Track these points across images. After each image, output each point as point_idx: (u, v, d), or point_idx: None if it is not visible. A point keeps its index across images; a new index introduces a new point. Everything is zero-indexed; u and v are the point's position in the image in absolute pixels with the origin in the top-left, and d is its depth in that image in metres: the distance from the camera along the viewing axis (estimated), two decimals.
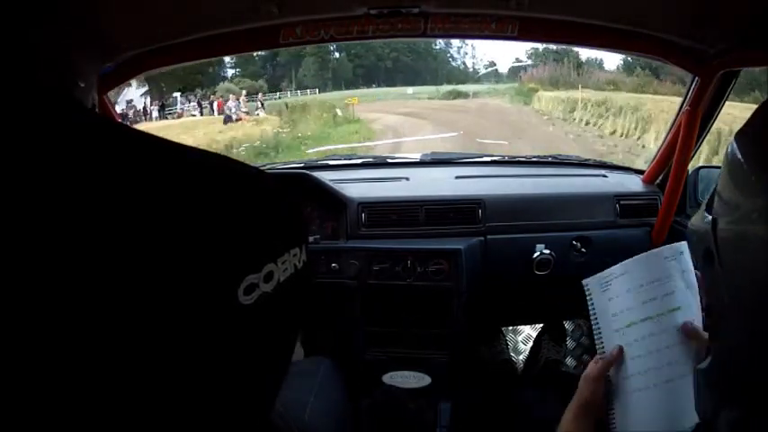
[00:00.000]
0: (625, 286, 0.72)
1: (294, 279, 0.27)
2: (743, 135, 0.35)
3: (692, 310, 0.65)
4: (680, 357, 0.64)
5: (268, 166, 1.47)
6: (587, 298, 0.74)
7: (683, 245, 0.69)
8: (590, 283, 0.75)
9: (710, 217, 0.35)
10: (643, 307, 0.69)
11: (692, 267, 0.67)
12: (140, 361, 0.21)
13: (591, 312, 0.73)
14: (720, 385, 0.38)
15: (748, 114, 0.36)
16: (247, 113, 11.64)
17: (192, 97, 12.98)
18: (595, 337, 0.72)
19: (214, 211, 0.24)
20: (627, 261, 0.74)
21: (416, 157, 1.63)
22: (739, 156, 0.34)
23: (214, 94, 13.13)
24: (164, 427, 0.22)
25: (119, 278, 0.20)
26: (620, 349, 0.68)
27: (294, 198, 0.29)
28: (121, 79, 1.06)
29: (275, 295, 0.26)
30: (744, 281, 0.32)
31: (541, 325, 1.66)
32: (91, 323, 0.20)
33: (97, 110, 0.93)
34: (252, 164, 1.61)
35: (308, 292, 0.30)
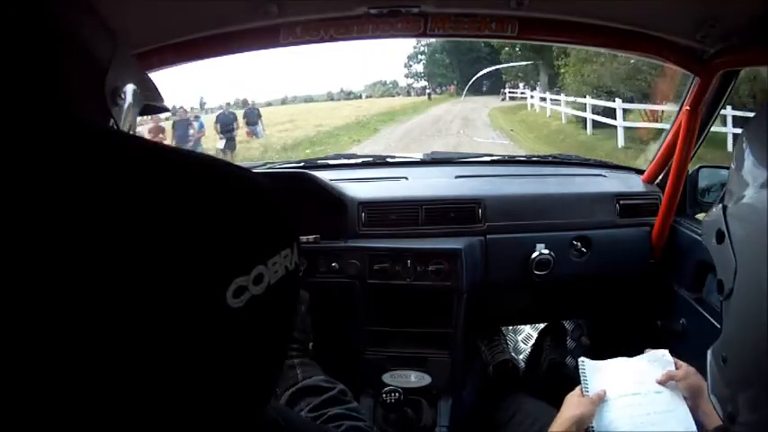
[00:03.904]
0: (614, 377, 0.84)
1: (285, 280, 0.27)
2: (748, 126, 0.41)
3: (674, 392, 0.82)
4: (663, 421, 0.78)
5: (268, 166, 1.47)
6: (581, 374, 0.85)
7: (665, 352, 0.85)
8: (585, 363, 0.86)
9: (721, 205, 0.41)
10: (631, 387, 0.82)
11: (672, 365, 0.83)
12: (129, 362, 0.21)
13: (584, 387, 0.84)
14: (732, 362, 0.40)
15: None
16: None
17: None
18: None
19: (199, 212, 0.24)
20: (619, 359, 0.86)
21: (417, 156, 1.63)
22: (745, 144, 0.40)
23: None
24: (153, 426, 0.22)
25: (105, 281, 0.20)
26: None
27: (285, 198, 0.28)
28: None
29: (266, 297, 0.25)
30: (749, 246, 0.37)
31: (542, 325, 1.67)
32: (78, 325, 0.20)
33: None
34: (253, 162, 1.60)
35: (298, 293, 0.30)
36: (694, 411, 0.78)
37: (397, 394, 1.01)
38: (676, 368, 0.83)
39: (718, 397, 0.41)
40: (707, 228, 0.43)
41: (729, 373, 0.40)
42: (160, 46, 0.97)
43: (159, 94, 0.44)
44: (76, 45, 0.31)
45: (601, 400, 0.80)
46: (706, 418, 0.76)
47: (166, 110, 0.96)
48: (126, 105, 0.35)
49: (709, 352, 0.43)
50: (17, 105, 0.22)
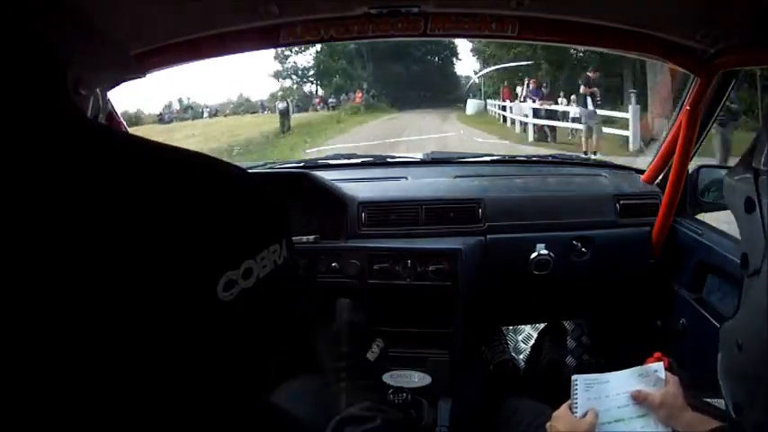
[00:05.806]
0: (605, 392, 0.86)
1: (275, 275, 0.28)
2: None
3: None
4: None
5: (268, 166, 1.47)
6: (573, 391, 0.86)
7: (659, 365, 0.84)
8: (578, 379, 0.87)
9: (749, 174, 0.38)
10: (617, 411, 0.84)
11: (662, 382, 0.82)
12: (123, 354, 0.21)
13: (573, 404, 0.85)
14: (749, 351, 0.38)
15: None
16: None
17: None
18: None
19: (190, 208, 0.24)
20: (610, 373, 0.87)
21: (417, 156, 1.63)
22: None
23: None
24: (148, 416, 0.23)
25: (100, 275, 0.21)
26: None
27: (275, 195, 0.29)
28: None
29: (256, 291, 0.26)
30: None
31: (542, 325, 1.67)
32: (74, 317, 0.20)
33: (103, 118, 0.93)
34: (253, 162, 1.60)
35: (290, 287, 0.31)
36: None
37: (404, 395, 1.01)
38: (666, 383, 0.83)
39: (726, 383, 0.39)
40: (732, 191, 0.40)
41: (744, 363, 0.38)
42: (160, 46, 0.97)
43: (131, 63, 0.43)
44: (37, 42, 0.31)
45: (592, 426, 0.81)
46: None
47: (139, 76, 0.95)
48: (89, 93, 0.35)
49: (721, 331, 0.41)
50: (14, 106, 0.23)
